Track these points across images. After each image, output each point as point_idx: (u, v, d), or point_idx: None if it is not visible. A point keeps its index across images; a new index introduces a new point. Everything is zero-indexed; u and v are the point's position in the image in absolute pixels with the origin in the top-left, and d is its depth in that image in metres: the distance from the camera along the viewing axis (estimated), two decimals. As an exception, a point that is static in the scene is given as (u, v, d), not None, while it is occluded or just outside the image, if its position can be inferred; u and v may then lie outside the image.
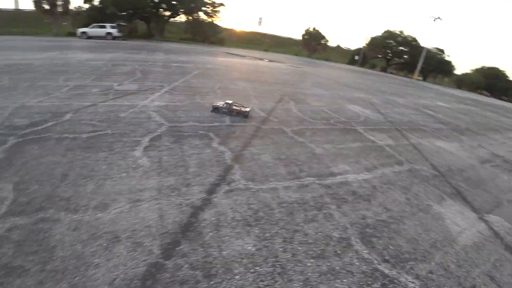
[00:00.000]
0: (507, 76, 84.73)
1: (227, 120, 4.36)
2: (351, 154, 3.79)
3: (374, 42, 54.79)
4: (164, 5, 35.77)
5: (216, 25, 39.35)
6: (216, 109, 4.58)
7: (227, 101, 4.64)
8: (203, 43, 35.89)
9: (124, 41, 21.28)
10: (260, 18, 76.96)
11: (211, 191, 2.60)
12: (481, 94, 77.97)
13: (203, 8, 37.50)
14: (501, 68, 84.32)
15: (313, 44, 45.86)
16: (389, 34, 59.60)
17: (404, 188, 3.22)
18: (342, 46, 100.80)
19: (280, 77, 9.87)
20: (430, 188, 3.42)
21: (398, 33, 60.26)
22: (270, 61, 17.42)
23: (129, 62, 8.81)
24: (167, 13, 37.14)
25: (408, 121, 7.11)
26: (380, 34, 59.96)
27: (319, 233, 2.27)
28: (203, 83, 6.64)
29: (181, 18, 39.18)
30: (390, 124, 6.14)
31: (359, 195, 2.85)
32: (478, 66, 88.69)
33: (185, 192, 2.52)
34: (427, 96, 16.26)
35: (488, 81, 79.55)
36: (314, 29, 47.40)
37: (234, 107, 4.59)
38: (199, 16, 37.91)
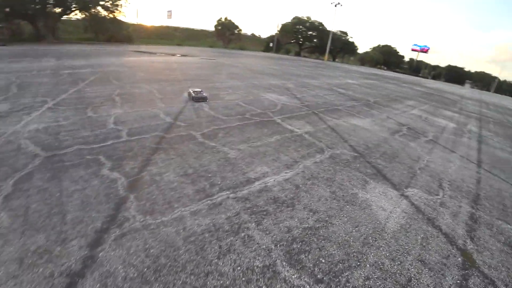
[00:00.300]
0: (398, 52, 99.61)
1: (123, 133, 3.51)
2: (269, 151, 3.42)
3: (285, 29, 57.36)
4: (51, 0, 30.40)
5: (120, 21, 35.44)
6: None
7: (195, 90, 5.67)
8: (108, 42, 32.05)
9: (2, 47, 17.35)
10: (170, 11, 72.83)
11: (96, 242, 1.87)
12: (380, 68, 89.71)
13: (101, 3, 33.26)
14: (392, 46, 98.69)
15: (227, 35, 45.52)
16: (298, 20, 63.11)
17: (328, 180, 2.98)
18: (256, 34, 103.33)
19: (192, 72, 9.11)
20: (353, 172, 3.28)
21: (306, 19, 64.27)
22: (182, 55, 16.32)
23: (2, 75, 6.91)
24: (57, 10, 31.80)
25: (324, 102, 7.22)
26: (289, 21, 63.04)
27: (238, 268, 1.78)
28: (99, 91, 5.49)
29: (77, 15, 34.12)
30: (307, 109, 6.07)
31: (282, 201, 2.46)
32: (376, 45, 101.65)
33: (58, 254, 1.75)
34: (337, 75, 17.48)
35: (384, 57, 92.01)
36: (226, 19, 46.99)
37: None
38: (98, 12, 33.54)
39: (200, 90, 5.80)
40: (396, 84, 19.94)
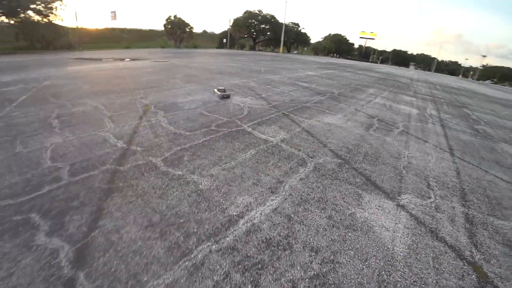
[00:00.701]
0: (348, 40, 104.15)
1: (64, 172, 2.75)
2: (247, 173, 2.95)
3: (238, 23, 56.67)
4: (-34, 5, 26.26)
5: (57, 26, 31.85)
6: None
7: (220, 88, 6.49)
8: (45, 50, 28.75)
9: None
10: (113, 12, 68.01)
11: None
12: (333, 57, 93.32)
13: (32, 6, 29.59)
14: (342, 34, 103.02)
15: (178, 33, 43.63)
16: (249, 14, 62.67)
17: (320, 201, 2.60)
18: (208, 31, 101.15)
19: (144, 79, 8.23)
20: (343, 186, 2.94)
21: (258, 12, 64.05)
22: (132, 60, 15.04)
23: None
24: (-25, 16, 27.66)
25: (291, 100, 6.90)
26: (241, 15, 62.38)
27: None
28: (32, 114, 4.50)
29: (3, 22, 30.01)
30: (276, 110, 5.68)
31: (276, 243, 2.02)
32: (327, 34, 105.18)
33: None
34: (296, 68, 17.44)
35: (336, 46, 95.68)
36: (176, 17, 44.98)
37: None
38: (30, 17, 29.83)
39: (223, 88, 6.48)
40: (352, 72, 20.51)
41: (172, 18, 45.83)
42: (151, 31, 75.34)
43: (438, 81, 31.08)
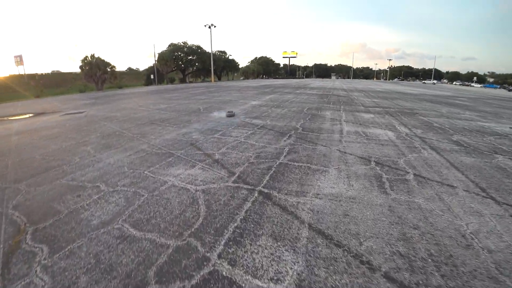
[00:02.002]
0: (273, 61, 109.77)
1: None
2: None
3: (164, 57, 54.30)
4: None
5: None
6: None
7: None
8: None
9: None
10: (18, 56, 59.69)
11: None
12: (262, 78, 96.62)
13: None
14: (267, 56, 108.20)
15: (98, 74, 39.28)
16: (174, 47, 60.97)
17: None
18: (134, 67, 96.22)
19: (40, 152, 5.44)
20: None
21: (183, 44, 62.70)
22: (36, 114, 11.64)
23: None
24: None
25: (256, 157, 4.98)
26: (166, 49, 60.27)
27: None
28: None
29: None
30: (246, 188, 3.65)
31: None
32: (253, 57, 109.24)
33: None
34: (236, 98, 15.86)
35: (263, 67, 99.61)
36: (93, 56, 40.62)
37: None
38: None
39: (231, 111, 7.73)
40: (292, 93, 19.82)
41: (89, 58, 41.27)
42: (69, 74, 67.82)
43: (364, 87, 33.06)
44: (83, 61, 40.65)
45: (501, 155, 5.51)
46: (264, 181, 3.69)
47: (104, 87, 42.54)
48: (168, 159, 4.68)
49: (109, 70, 42.15)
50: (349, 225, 2.72)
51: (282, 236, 2.50)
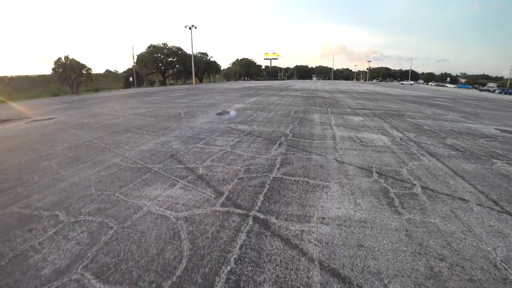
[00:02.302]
0: (255, 62, 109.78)
1: None
2: None
3: (143, 59, 52.58)
4: None
5: None
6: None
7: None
8: None
9: None
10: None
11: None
12: (244, 80, 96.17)
13: None
14: (249, 58, 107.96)
15: (73, 77, 37.31)
16: (154, 49, 59.26)
17: None
18: (112, 69, 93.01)
19: None
20: None
21: (162, 45, 61.06)
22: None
23: None
24: None
25: (246, 170, 4.45)
26: (145, 50, 58.49)
27: None
28: None
29: None
30: (237, 213, 3.11)
31: None
32: (234, 59, 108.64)
33: None
34: (220, 101, 15.24)
35: (245, 69, 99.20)
36: (67, 58, 38.55)
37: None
38: None
39: (228, 111, 8.07)
40: (276, 95, 19.44)
41: (63, 60, 39.12)
42: (41, 76, 64.28)
43: (346, 88, 33.31)
44: (56, 63, 38.42)
45: (498, 159, 5.29)
46: (258, 203, 3.15)
47: (79, 90, 40.51)
48: (144, 175, 4.04)
49: (84, 72, 40.17)
50: (367, 260, 2.24)
51: (290, 283, 1.97)
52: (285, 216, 2.88)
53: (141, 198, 3.28)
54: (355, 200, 3.32)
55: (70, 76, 37.96)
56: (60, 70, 38.40)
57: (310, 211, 3.00)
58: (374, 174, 4.22)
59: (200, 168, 4.29)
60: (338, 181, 3.88)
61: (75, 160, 4.98)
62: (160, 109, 12.12)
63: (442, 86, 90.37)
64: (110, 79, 69.25)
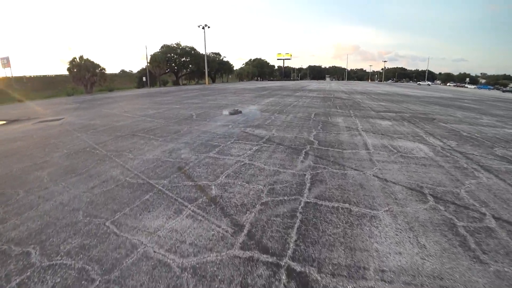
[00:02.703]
0: (268, 63, 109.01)
1: None
2: None
3: (156, 59, 52.66)
4: None
5: None
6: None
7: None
8: None
9: None
10: (5, 58, 57.50)
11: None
12: (257, 80, 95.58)
13: None
14: (262, 58, 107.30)
15: (87, 77, 37.52)
16: (167, 49, 59.36)
17: None
18: (127, 70, 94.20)
19: None
20: None
21: (176, 45, 61.11)
22: (7, 122, 10.20)
23: None
24: None
25: (269, 192, 3.67)
26: (158, 50, 58.65)
27: None
28: None
29: None
30: (269, 271, 2.32)
31: None
32: (247, 59, 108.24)
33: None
34: (233, 102, 14.52)
35: (258, 69, 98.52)
36: (81, 58, 38.83)
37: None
38: None
39: (243, 112, 8.54)
40: (292, 96, 18.59)
41: (78, 60, 39.45)
42: (58, 76, 65.55)
43: (363, 89, 32.04)
44: (70, 63, 38.79)
45: None
46: (291, 244, 2.35)
47: (93, 90, 40.79)
48: (144, 196, 3.31)
49: (98, 72, 40.38)
50: None
51: None
52: (330, 267, 2.07)
53: (137, 231, 2.54)
54: (417, 240, 2.47)
55: (84, 76, 38.20)
56: (75, 70, 38.72)
57: (363, 259, 2.18)
58: (428, 197, 3.36)
59: (213, 187, 3.53)
60: (387, 208, 3.04)
61: (69, 171, 4.32)
62: (171, 110, 11.50)
63: (462, 86, 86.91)
64: (124, 79, 69.99)
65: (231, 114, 9.49)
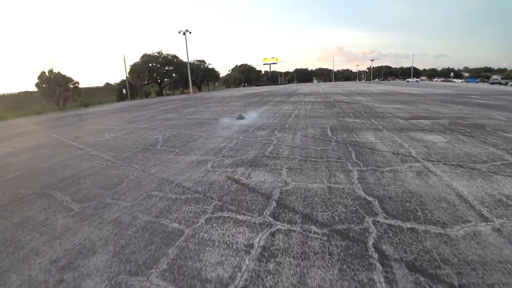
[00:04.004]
0: (255, 68, 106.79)
1: None
2: None
3: (136, 69, 49.33)
4: None
5: None
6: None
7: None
8: None
9: None
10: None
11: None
12: (244, 86, 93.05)
13: None
14: (248, 63, 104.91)
15: (58, 92, 33.92)
16: (148, 58, 56.16)
17: None
18: (112, 82, 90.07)
19: None
20: None
21: (157, 54, 57.96)
22: None
23: None
24: None
25: None
26: (139, 60, 55.40)
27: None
28: None
29: None
30: None
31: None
32: (233, 65, 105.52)
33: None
34: (216, 114, 11.62)
35: (245, 75, 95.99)
36: (51, 71, 35.17)
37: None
38: None
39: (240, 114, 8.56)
40: (288, 103, 15.78)
41: (47, 74, 35.75)
42: (25, 93, 61.00)
43: (359, 89, 29.67)
44: (39, 77, 35.11)
45: None
46: None
47: (66, 106, 37.16)
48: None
49: (71, 86, 36.79)
50: None
51: None
52: None
53: None
54: None
55: (55, 92, 34.56)
56: (44, 86, 35.06)
57: None
58: None
59: None
60: None
61: None
62: (134, 133, 8.51)
63: (449, 81, 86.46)
64: (107, 92, 66.30)
65: (210, 138, 6.60)
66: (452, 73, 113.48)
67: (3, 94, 65.37)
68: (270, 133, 7.05)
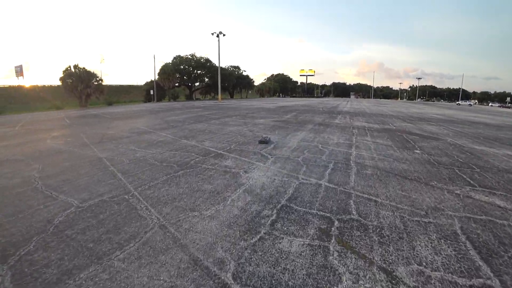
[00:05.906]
0: (291, 78, 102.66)
1: None
2: None
3: (166, 71, 47.31)
4: None
5: None
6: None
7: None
8: None
9: None
10: (18, 67, 54.89)
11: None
12: (278, 96, 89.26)
13: None
14: (285, 73, 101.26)
15: (79, 89, 32.11)
16: (180, 60, 54.28)
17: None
18: (138, 83, 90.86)
19: None
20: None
21: (190, 56, 56.04)
22: None
23: None
24: None
25: None
26: (170, 61, 53.69)
27: None
28: None
29: None
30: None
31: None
32: (269, 74, 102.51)
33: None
34: (227, 137, 7.47)
35: (280, 85, 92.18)
36: (76, 67, 33.61)
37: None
38: None
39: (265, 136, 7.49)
40: (334, 126, 11.22)
41: (72, 69, 34.31)
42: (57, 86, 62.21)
43: (410, 111, 23.98)
44: (64, 72, 33.73)
45: None
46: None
47: (88, 103, 35.51)
48: None
49: (95, 83, 35.05)
50: None
51: None
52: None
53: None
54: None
55: (77, 87, 32.87)
56: (68, 81, 33.59)
57: None
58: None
59: None
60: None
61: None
62: (113, 157, 4.55)
63: (509, 108, 75.77)
64: (137, 91, 65.87)
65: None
66: (508, 98, 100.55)
67: (43, 86, 67.23)
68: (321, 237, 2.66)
